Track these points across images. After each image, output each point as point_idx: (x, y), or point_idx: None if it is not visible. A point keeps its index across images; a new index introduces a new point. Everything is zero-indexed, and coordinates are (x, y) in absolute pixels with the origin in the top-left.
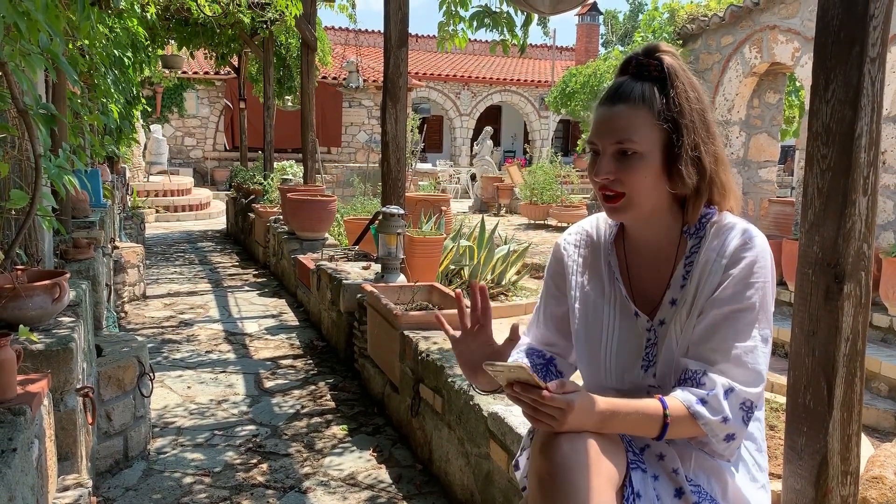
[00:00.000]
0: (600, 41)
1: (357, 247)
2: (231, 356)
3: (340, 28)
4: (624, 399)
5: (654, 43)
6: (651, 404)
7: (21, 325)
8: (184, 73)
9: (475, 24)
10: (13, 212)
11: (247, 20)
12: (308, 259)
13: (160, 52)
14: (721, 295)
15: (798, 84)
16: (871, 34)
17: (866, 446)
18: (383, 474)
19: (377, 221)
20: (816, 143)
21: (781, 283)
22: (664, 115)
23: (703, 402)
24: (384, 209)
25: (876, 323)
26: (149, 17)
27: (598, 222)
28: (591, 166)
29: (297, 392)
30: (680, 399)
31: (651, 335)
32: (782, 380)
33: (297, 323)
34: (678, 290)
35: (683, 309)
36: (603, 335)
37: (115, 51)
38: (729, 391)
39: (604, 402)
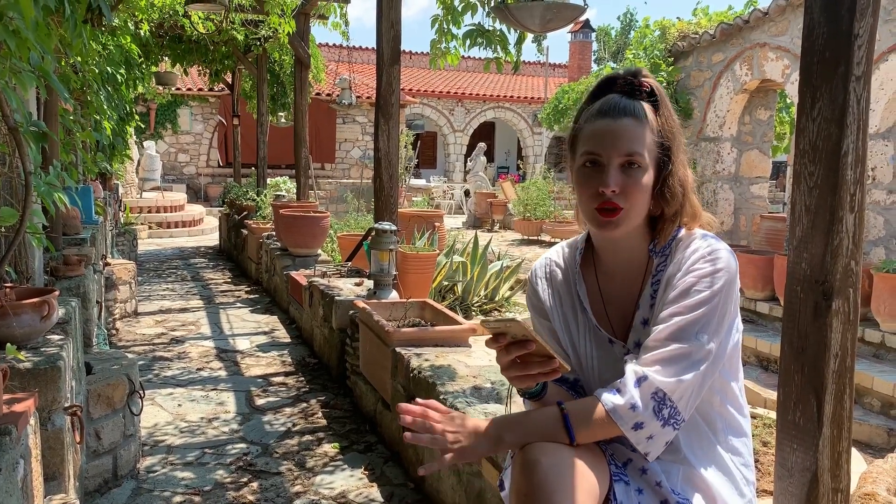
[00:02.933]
0: (593, 58)
1: (350, 263)
2: (222, 374)
3: (334, 45)
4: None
5: (636, 67)
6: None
7: (8, 344)
8: (177, 89)
9: (468, 42)
10: (3, 229)
11: (240, 37)
12: (300, 275)
13: (154, 68)
14: (669, 297)
15: (789, 101)
16: (855, 53)
17: (859, 462)
18: (375, 493)
19: (370, 238)
20: (804, 161)
21: (773, 298)
22: (660, 135)
23: (615, 390)
24: (377, 225)
25: (868, 338)
26: (142, 35)
27: (564, 251)
28: (588, 177)
29: (288, 410)
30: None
31: (630, 358)
32: (774, 395)
33: (290, 340)
34: (648, 310)
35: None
36: (585, 362)
37: (109, 68)
38: (642, 379)
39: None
